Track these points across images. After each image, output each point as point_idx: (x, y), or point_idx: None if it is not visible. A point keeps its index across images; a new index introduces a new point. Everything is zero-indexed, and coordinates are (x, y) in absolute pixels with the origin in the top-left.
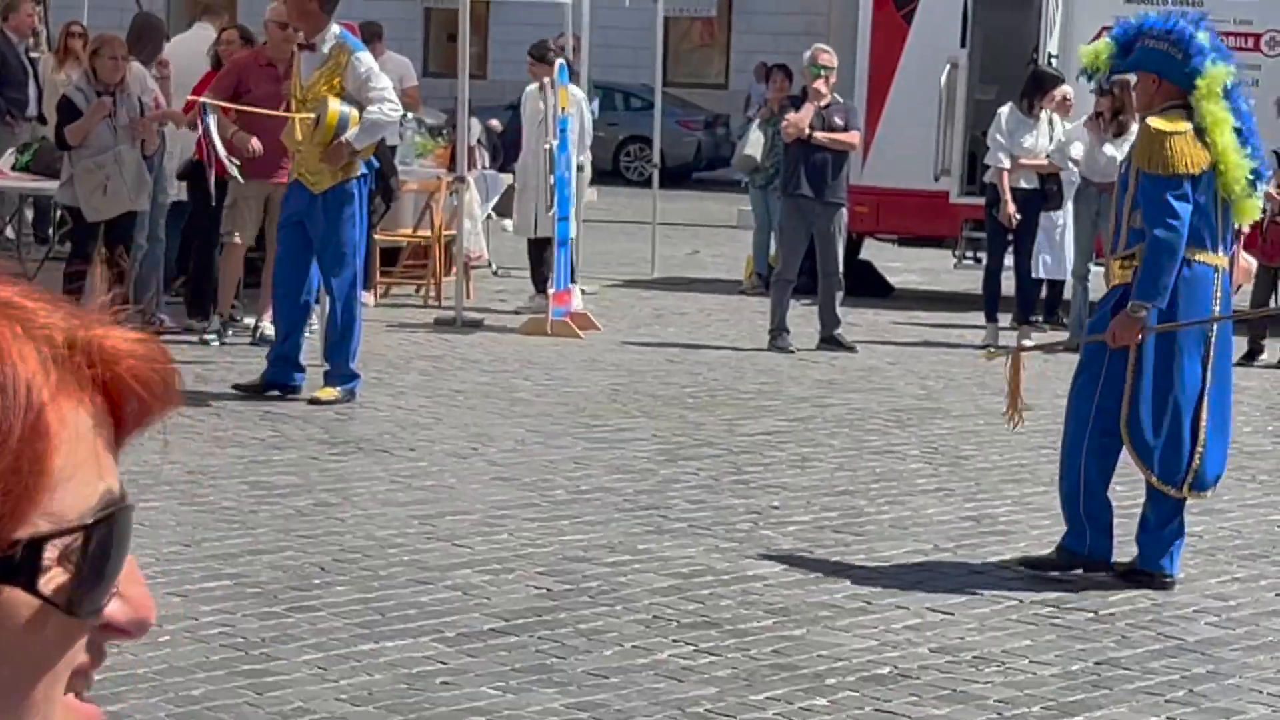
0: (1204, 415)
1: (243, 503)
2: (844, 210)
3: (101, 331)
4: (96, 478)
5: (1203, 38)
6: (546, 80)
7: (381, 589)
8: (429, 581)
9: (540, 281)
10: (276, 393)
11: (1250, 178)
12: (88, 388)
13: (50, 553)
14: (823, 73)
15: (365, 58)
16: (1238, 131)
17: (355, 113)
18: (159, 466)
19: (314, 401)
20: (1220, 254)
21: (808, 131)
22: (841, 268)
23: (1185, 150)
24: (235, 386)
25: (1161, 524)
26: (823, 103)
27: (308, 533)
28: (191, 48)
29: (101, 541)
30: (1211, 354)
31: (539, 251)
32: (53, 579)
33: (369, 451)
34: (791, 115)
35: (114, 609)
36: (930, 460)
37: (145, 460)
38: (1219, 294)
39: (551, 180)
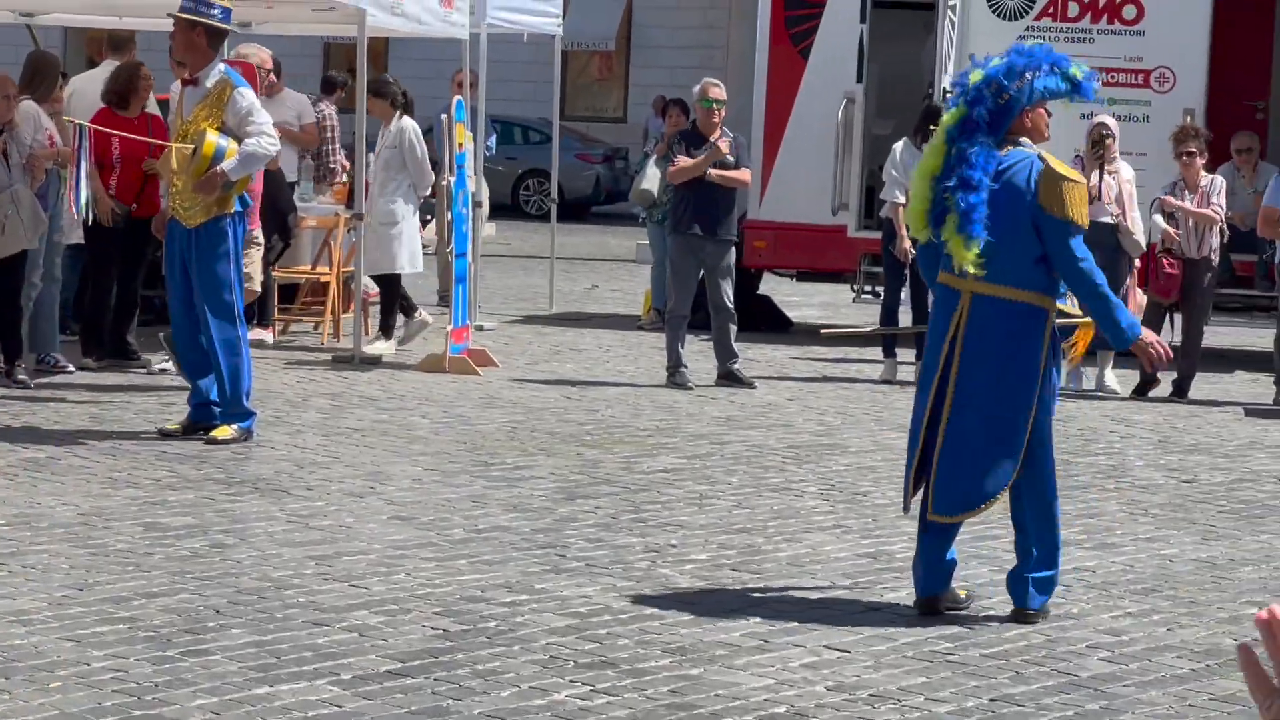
0: (939, 443)
1: (137, 545)
2: (733, 248)
3: None
4: None
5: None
6: (401, 119)
7: (277, 631)
8: (325, 623)
9: (407, 310)
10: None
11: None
12: None
13: None
14: (713, 106)
15: (247, 93)
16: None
17: (233, 145)
18: (52, 509)
19: (210, 441)
20: (957, 276)
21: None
22: (733, 302)
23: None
24: (160, 432)
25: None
26: (716, 137)
27: (203, 574)
28: (100, 85)
29: None
30: (950, 384)
31: (392, 288)
32: None
33: (265, 491)
34: (682, 161)
35: None
36: (828, 497)
37: (38, 502)
38: (961, 318)
39: (449, 216)
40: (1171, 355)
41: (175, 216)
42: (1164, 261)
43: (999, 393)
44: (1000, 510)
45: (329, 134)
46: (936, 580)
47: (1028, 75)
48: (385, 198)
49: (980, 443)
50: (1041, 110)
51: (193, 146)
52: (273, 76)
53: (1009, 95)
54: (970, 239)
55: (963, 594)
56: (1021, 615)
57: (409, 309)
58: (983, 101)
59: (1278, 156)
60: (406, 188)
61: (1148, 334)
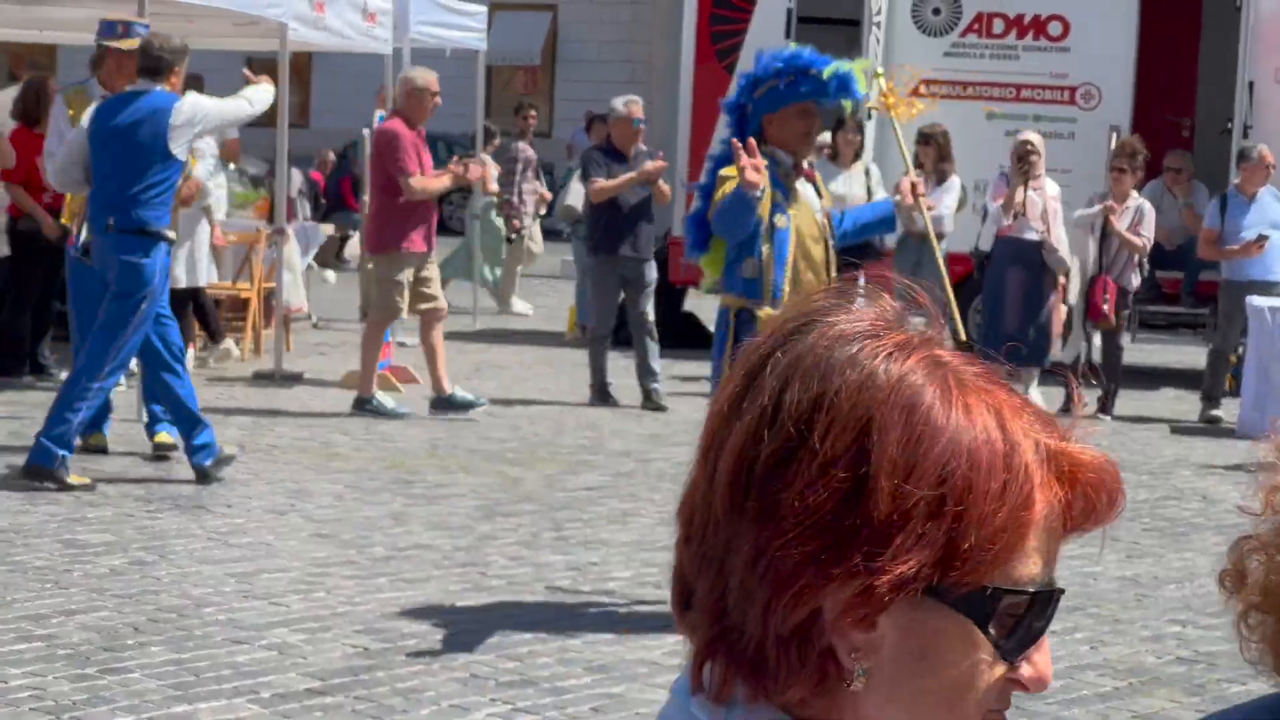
0: None
1: (55, 562)
2: (653, 263)
3: (1071, 445)
4: (1042, 558)
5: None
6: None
7: (196, 649)
8: (245, 641)
9: (212, 332)
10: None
11: None
12: (1055, 487)
13: (1003, 604)
14: (634, 124)
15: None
16: None
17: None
18: None
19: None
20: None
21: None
22: (654, 319)
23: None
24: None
25: None
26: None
27: (122, 592)
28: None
29: (1038, 610)
30: None
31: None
32: (997, 626)
33: (185, 508)
34: (601, 182)
35: (1023, 668)
36: None
37: None
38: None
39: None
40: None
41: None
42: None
43: None
44: None
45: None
46: None
47: (765, 85)
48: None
49: None
50: (786, 117)
51: None
52: (437, 99)
53: (749, 106)
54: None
55: None
56: None
57: (215, 334)
58: (731, 113)
59: (1206, 175)
60: None
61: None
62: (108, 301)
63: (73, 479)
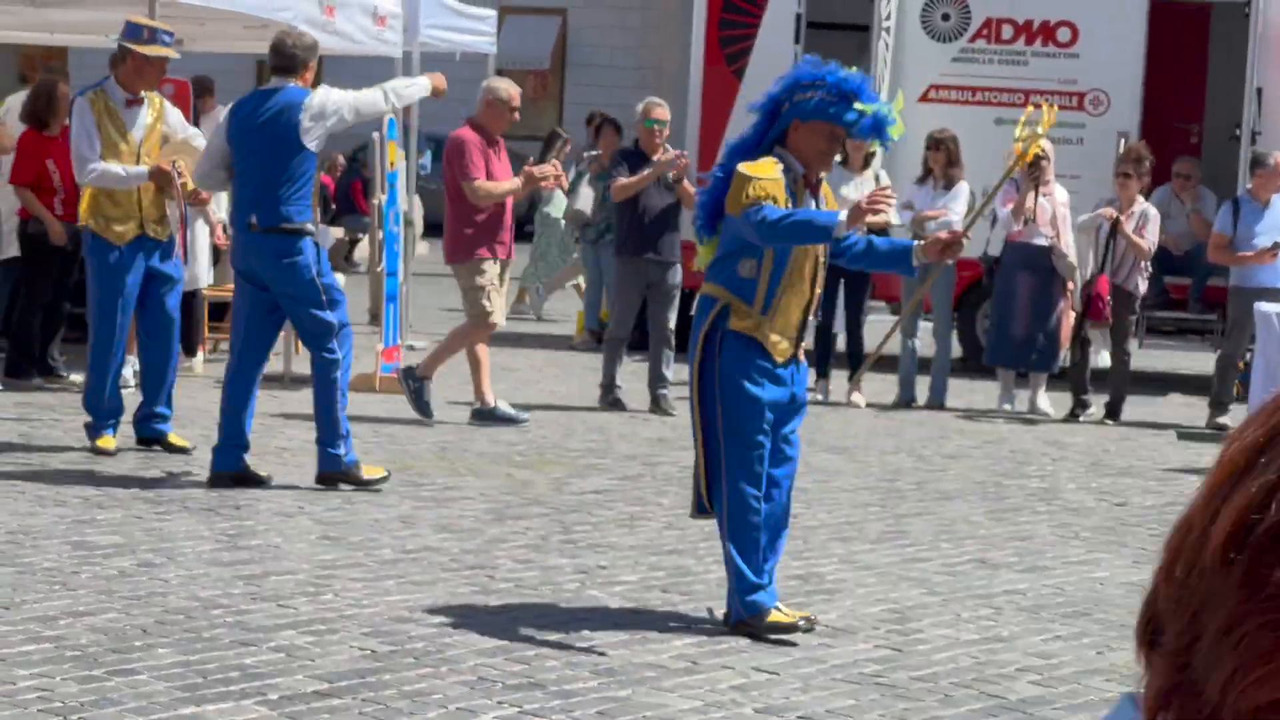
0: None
1: (64, 563)
2: (678, 268)
3: None
4: None
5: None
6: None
7: (204, 651)
8: (253, 643)
9: (189, 344)
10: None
11: None
12: None
13: None
14: (656, 126)
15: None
16: None
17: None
18: None
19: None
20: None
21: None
22: (673, 327)
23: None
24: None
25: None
26: (658, 157)
27: (130, 594)
28: None
29: None
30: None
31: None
32: None
33: (194, 511)
34: (620, 180)
35: None
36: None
37: None
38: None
39: (381, 235)
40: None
41: (148, 234)
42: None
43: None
44: (930, 532)
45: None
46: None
47: (809, 93)
48: None
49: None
50: (815, 131)
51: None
52: (515, 115)
53: (785, 104)
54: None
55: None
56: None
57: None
58: (764, 107)
59: (1213, 180)
60: None
61: (846, 210)
62: (286, 303)
63: (367, 473)
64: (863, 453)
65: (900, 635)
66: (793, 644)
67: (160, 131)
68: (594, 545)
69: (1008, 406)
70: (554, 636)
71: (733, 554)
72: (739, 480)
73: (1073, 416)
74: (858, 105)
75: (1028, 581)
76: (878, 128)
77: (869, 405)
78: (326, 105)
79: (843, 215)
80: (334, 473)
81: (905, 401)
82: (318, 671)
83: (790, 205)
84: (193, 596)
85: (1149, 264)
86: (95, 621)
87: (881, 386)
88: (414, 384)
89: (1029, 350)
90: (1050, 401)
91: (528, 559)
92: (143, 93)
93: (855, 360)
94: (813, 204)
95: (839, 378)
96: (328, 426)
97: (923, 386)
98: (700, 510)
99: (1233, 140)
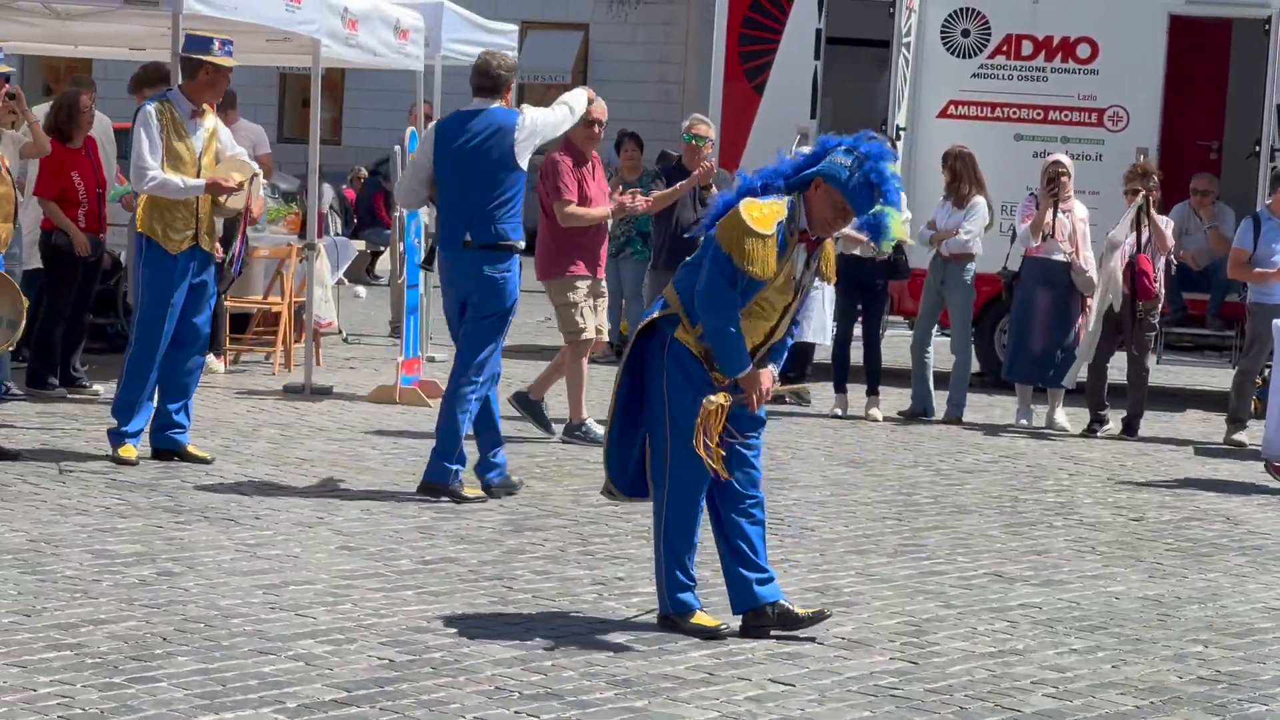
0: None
1: (85, 572)
2: None
3: None
4: None
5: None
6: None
7: (223, 659)
8: (271, 652)
9: (216, 344)
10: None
11: None
12: None
13: None
14: (695, 142)
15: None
16: None
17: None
18: (0, 534)
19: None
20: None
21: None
22: None
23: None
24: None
25: None
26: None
27: (150, 602)
28: None
29: None
30: None
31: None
32: None
33: (214, 520)
34: (655, 193)
35: None
36: (776, 531)
37: None
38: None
39: (402, 248)
40: (760, 403)
41: (201, 246)
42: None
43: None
44: (947, 546)
45: None
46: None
47: (850, 160)
48: None
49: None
50: (831, 199)
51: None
52: (595, 129)
53: (826, 157)
54: None
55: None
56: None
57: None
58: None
59: (1232, 197)
60: None
61: (752, 372)
62: (473, 319)
63: (468, 492)
64: (880, 466)
65: (916, 648)
66: (808, 655)
67: (215, 146)
68: (612, 557)
69: (1025, 421)
70: (571, 647)
71: (663, 553)
72: (680, 485)
73: (1090, 432)
74: (875, 190)
75: (1043, 595)
76: (875, 228)
77: (886, 420)
78: (536, 124)
79: (748, 372)
80: (440, 484)
81: (918, 413)
82: (336, 680)
83: (777, 257)
84: (212, 605)
85: (1170, 262)
86: (115, 629)
87: (899, 402)
88: (528, 407)
89: (1047, 366)
90: (1068, 417)
91: (546, 570)
92: (204, 105)
93: (873, 376)
94: (801, 259)
95: (856, 392)
96: (449, 439)
97: (940, 400)
98: (628, 492)
99: (1252, 157)
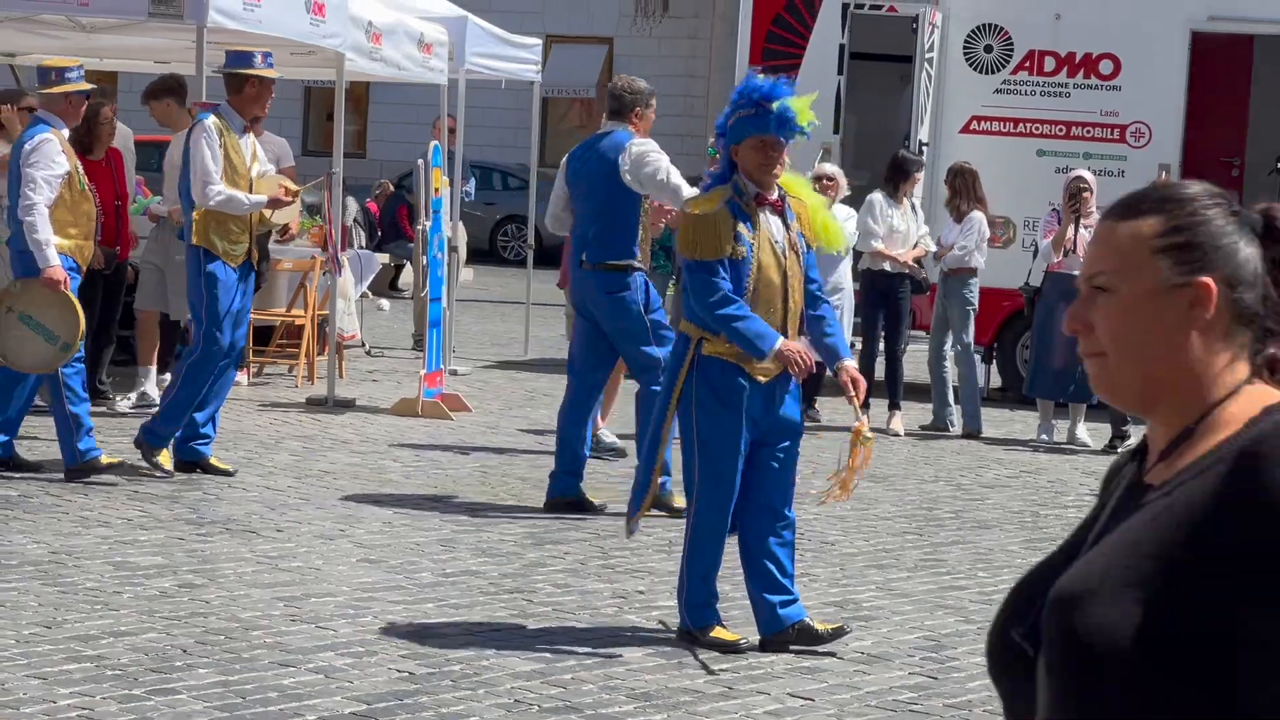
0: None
1: (106, 583)
2: None
3: None
4: None
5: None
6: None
7: (243, 671)
8: (291, 664)
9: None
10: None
11: None
12: None
13: None
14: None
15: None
16: None
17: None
18: (22, 546)
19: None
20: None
21: None
22: None
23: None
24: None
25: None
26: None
27: (171, 614)
28: None
29: None
30: None
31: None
32: None
33: (236, 532)
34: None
35: None
36: (796, 545)
37: (9, 540)
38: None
39: (425, 261)
40: (810, 362)
41: (249, 258)
42: None
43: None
44: (967, 561)
45: None
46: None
47: (730, 119)
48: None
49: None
50: (748, 149)
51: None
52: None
53: (723, 139)
54: None
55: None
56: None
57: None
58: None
59: None
60: None
61: (784, 343)
62: (613, 338)
63: (592, 498)
64: (901, 481)
65: (935, 663)
66: (827, 669)
67: (257, 162)
68: (632, 570)
69: (1046, 437)
70: (591, 660)
71: (686, 567)
72: (707, 503)
73: (1111, 448)
74: (764, 105)
75: None
76: (782, 123)
77: (908, 434)
78: (644, 155)
79: (779, 345)
80: (565, 498)
81: (939, 425)
82: (356, 693)
83: (744, 229)
84: (233, 617)
85: None
86: (136, 641)
87: (921, 416)
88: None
89: (1068, 381)
90: (1089, 432)
91: (566, 583)
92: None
93: (894, 390)
94: (774, 223)
95: (878, 406)
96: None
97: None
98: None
99: (1274, 173)
